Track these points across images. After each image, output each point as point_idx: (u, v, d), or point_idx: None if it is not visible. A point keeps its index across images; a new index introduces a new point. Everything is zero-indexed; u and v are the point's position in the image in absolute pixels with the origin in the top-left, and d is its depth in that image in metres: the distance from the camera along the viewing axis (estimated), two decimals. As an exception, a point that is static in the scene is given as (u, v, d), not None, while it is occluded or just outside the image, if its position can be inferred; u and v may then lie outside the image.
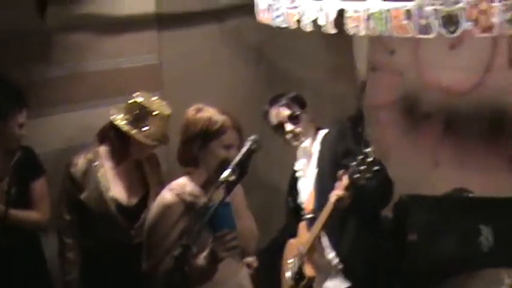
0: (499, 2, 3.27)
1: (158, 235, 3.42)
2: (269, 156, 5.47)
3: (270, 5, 4.47)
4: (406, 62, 5.61)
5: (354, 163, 3.79)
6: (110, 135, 4.29)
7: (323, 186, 4.28)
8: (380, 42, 5.63)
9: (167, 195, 3.50)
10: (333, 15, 4.03)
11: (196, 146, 3.45)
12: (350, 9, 3.93)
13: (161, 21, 5.31)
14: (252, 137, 3.16)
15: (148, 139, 4.18)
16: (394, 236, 4.78)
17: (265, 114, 4.53)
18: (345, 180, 3.89)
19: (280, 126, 4.42)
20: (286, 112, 4.40)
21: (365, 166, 3.75)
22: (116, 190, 4.29)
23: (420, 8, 3.57)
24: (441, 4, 3.49)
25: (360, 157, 3.76)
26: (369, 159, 3.75)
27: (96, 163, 4.28)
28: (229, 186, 3.04)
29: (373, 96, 5.73)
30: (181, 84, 5.25)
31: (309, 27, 4.19)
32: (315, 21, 4.15)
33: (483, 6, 3.32)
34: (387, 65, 5.71)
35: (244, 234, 3.47)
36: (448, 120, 5.43)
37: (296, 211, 4.61)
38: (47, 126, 4.97)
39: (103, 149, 4.35)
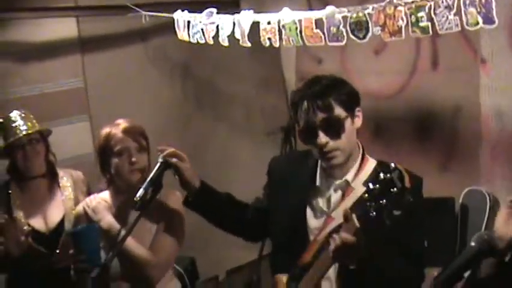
0: (404, 5, 3.33)
1: (64, 246, 3.63)
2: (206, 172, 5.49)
3: (188, 22, 4.51)
4: (334, 69, 5.64)
5: (367, 195, 2.58)
6: None
7: None
8: (307, 52, 5.68)
9: (79, 206, 3.64)
10: (247, 29, 4.07)
11: (99, 162, 3.55)
12: (263, 21, 3.98)
13: (84, 44, 5.30)
14: (165, 153, 3.14)
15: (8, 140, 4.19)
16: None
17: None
18: (354, 220, 2.60)
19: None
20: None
21: (389, 199, 2.52)
22: (31, 217, 4.23)
23: (330, 16, 3.62)
24: (349, 11, 3.55)
25: (375, 186, 2.56)
26: (395, 189, 2.52)
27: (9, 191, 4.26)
28: (143, 204, 3.03)
29: (303, 105, 5.76)
30: (108, 106, 5.23)
31: (226, 42, 4.23)
32: (231, 36, 4.20)
33: (389, 10, 3.38)
34: (316, 74, 5.74)
35: (131, 258, 3.39)
36: (377, 124, 5.49)
37: (297, 235, 3.08)
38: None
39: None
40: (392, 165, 2.54)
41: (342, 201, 2.94)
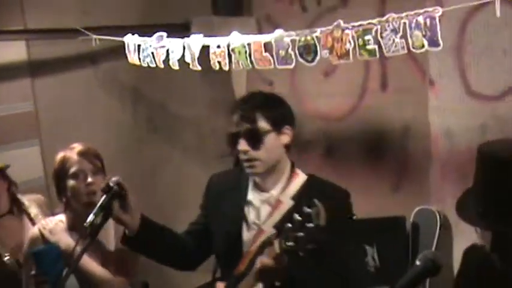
0: (351, 28, 3.37)
1: (25, 268, 3.52)
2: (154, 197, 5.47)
3: (138, 46, 4.50)
4: (285, 91, 5.65)
5: (289, 225, 2.73)
6: None
7: None
8: (258, 74, 5.70)
9: (34, 229, 3.64)
10: (197, 52, 4.09)
11: (55, 186, 3.57)
12: (213, 45, 3.99)
13: (34, 67, 5.26)
14: (114, 179, 3.14)
15: None
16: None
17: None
18: (276, 245, 2.82)
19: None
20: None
21: (305, 232, 2.66)
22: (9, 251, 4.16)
23: (278, 39, 3.66)
24: (297, 34, 3.58)
25: (298, 218, 2.71)
26: (310, 224, 2.66)
27: None
28: (94, 230, 3.03)
29: (255, 127, 5.79)
30: (59, 130, 5.20)
31: (176, 66, 4.24)
32: (182, 59, 4.20)
33: (337, 33, 3.42)
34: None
35: (89, 278, 3.44)
36: (328, 146, 5.53)
37: (234, 248, 3.25)
38: None
39: None
40: (315, 201, 2.68)
41: (272, 215, 3.17)
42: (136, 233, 3.17)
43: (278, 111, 3.22)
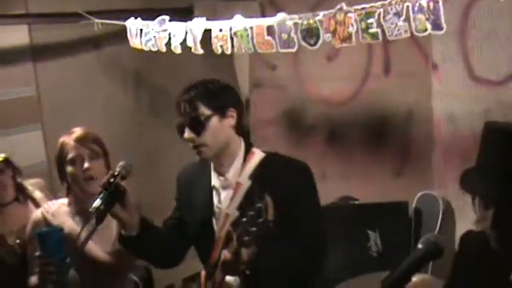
0: (354, 12, 3.36)
1: (29, 250, 3.50)
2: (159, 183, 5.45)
3: (140, 30, 4.49)
4: (288, 76, 5.69)
5: (245, 219, 2.73)
6: None
7: None
8: (261, 58, 5.69)
9: (37, 212, 3.63)
10: (199, 36, 4.08)
11: (57, 172, 3.54)
12: (215, 29, 3.98)
13: (36, 52, 5.24)
14: (121, 163, 3.13)
15: None
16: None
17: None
18: (234, 240, 2.81)
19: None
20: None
21: (256, 227, 2.70)
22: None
23: (281, 23, 3.64)
24: (300, 18, 3.57)
25: (251, 212, 2.72)
26: (260, 219, 2.69)
27: None
28: (100, 214, 3.02)
29: (258, 112, 5.78)
30: (61, 114, 5.18)
31: (178, 50, 4.23)
32: (184, 43, 4.20)
33: (340, 17, 3.40)
34: (270, 81, 5.78)
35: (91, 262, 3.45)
36: (331, 130, 5.53)
37: (206, 236, 3.28)
38: None
39: None
40: (265, 195, 2.71)
41: (234, 197, 3.17)
42: (137, 234, 3.18)
43: (219, 96, 3.23)
